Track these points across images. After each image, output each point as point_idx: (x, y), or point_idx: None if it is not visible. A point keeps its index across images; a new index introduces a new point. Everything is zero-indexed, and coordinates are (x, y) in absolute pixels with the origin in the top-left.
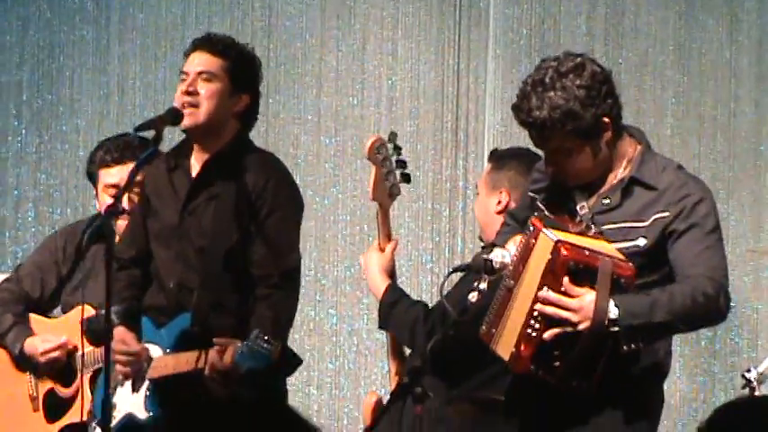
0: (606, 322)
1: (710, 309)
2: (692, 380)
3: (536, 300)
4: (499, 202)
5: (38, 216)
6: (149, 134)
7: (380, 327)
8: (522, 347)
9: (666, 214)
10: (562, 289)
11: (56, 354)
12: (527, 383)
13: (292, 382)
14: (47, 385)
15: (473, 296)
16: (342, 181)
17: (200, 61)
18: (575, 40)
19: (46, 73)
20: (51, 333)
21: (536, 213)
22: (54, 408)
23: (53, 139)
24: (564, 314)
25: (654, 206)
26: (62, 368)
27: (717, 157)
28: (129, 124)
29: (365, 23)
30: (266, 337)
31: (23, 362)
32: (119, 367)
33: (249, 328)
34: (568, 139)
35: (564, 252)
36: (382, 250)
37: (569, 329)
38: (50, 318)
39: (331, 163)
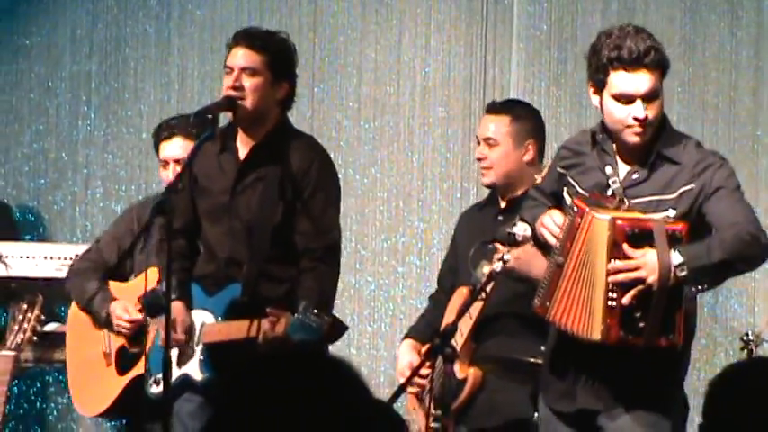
0: (672, 269)
1: (756, 245)
2: (696, 342)
3: (608, 273)
4: (527, 152)
5: (105, 192)
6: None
7: None
8: (609, 320)
9: (692, 186)
10: (624, 252)
11: (127, 326)
12: (567, 346)
13: (334, 343)
14: (119, 342)
15: (498, 266)
16: (380, 162)
17: (243, 57)
18: (590, 35)
19: (113, 64)
20: (128, 296)
21: (567, 189)
22: (125, 362)
23: (119, 124)
24: (633, 275)
25: (679, 179)
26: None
27: (718, 141)
28: (188, 110)
29: (401, 20)
30: (315, 311)
31: (108, 324)
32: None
33: (296, 298)
34: (659, 78)
35: (620, 223)
36: None
37: (642, 287)
38: (126, 282)
39: (370, 145)
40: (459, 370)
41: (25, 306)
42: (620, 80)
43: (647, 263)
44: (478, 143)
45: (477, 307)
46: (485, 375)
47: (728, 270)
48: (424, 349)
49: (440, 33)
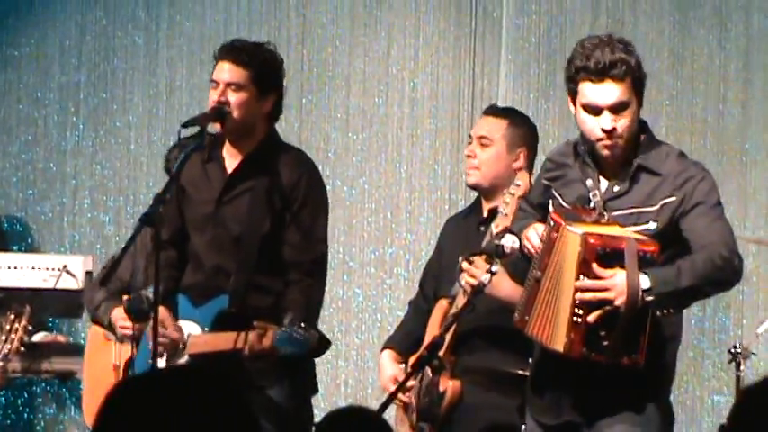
0: (640, 293)
1: (728, 269)
2: (683, 355)
3: (576, 290)
4: (517, 160)
5: (93, 203)
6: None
7: None
8: (573, 335)
9: (673, 199)
10: (594, 272)
11: (128, 331)
12: (551, 361)
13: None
14: (128, 354)
15: (486, 278)
16: (368, 173)
17: (228, 72)
18: None
19: (101, 74)
20: None
21: (552, 202)
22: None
23: (107, 134)
24: (600, 295)
25: (660, 191)
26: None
27: (707, 153)
28: (176, 121)
29: (390, 31)
30: (303, 325)
31: (113, 331)
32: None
33: (282, 311)
34: (631, 89)
35: (591, 240)
36: None
37: (609, 308)
38: None
39: (358, 157)
40: (440, 383)
41: (12, 316)
42: (587, 90)
43: (615, 284)
44: (470, 142)
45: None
46: (464, 387)
47: (697, 294)
48: (411, 360)
49: (428, 45)
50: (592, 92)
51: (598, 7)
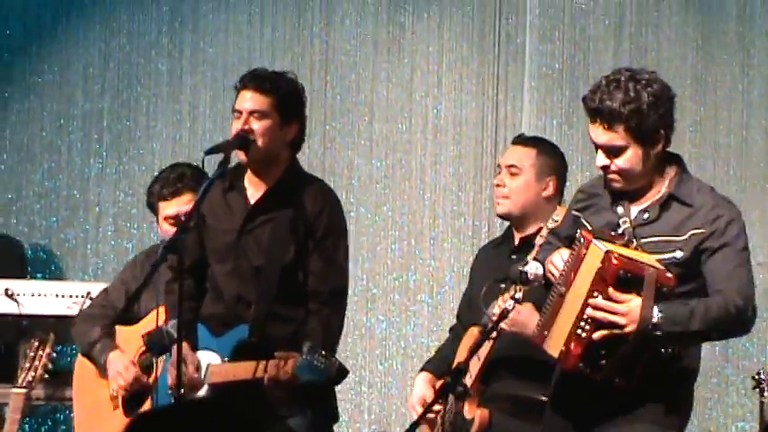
0: (650, 326)
1: (740, 320)
2: (707, 381)
3: (586, 304)
4: (547, 188)
5: (117, 230)
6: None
7: None
8: (573, 346)
9: (703, 231)
10: (610, 295)
11: (123, 385)
12: (570, 383)
13: (346, 381)
14: None
15: (509, 304)
16: (391, 200)
17: (251, 100)
18: (603, 73)
19: (125, 101)
20: (135, 340)
21: (580, 230)
22: (132, 404)
23: (131, 161)
24: (612, 318)
25: (689, 222)
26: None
27: (730, 179)
28: (199, 148)
29: (413, 58)
30: (323, 353)
31: (106, 371)
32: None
33: (301, 339)
34: (627, 136)
35: (614, 261)
36: None
37: (617, 332)
38: (134, 325)
39: (382, 184)
40: (467, 410)
41: (36, 344)
42: (589, 124)
43: (630, 311)
44: (499, 171)
45: (485, 348)
46: (492, 415)
47: (704, 339)
48: (437, 385)
49: (452, 71)
50: (590, 127)
51: (621, 34)
